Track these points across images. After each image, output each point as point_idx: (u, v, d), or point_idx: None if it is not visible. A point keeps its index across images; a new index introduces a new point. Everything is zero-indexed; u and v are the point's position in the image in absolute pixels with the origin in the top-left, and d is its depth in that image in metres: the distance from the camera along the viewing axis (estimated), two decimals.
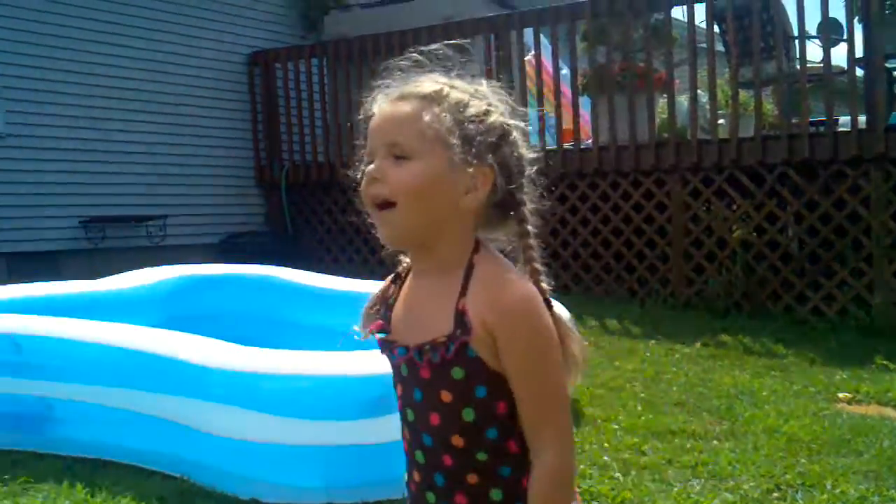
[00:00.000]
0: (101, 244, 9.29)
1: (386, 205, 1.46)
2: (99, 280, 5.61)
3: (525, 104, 8.57)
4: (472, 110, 1.48)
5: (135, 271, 5.79)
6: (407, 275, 1.59)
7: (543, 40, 9.00)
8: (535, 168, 1.55)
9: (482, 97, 1.52)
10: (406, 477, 1.59)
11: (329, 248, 10.13)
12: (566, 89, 8.84)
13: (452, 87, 1.51)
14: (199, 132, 10.34)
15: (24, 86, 8.99)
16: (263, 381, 3.49)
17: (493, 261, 1.50)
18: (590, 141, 8.47)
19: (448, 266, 1.49)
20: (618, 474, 3.65)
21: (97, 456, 3.77)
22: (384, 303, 1.59)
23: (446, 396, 1.46)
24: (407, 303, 1.55)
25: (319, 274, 5.96)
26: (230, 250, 9.80)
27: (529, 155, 1.54)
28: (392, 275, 1.63)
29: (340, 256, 9.92)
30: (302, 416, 3.43)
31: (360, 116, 1.55)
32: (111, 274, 5.81)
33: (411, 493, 1.58)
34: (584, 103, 8.79)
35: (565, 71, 8.87)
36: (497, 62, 8.87)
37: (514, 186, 1.50)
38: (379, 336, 1.55)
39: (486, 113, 1.50)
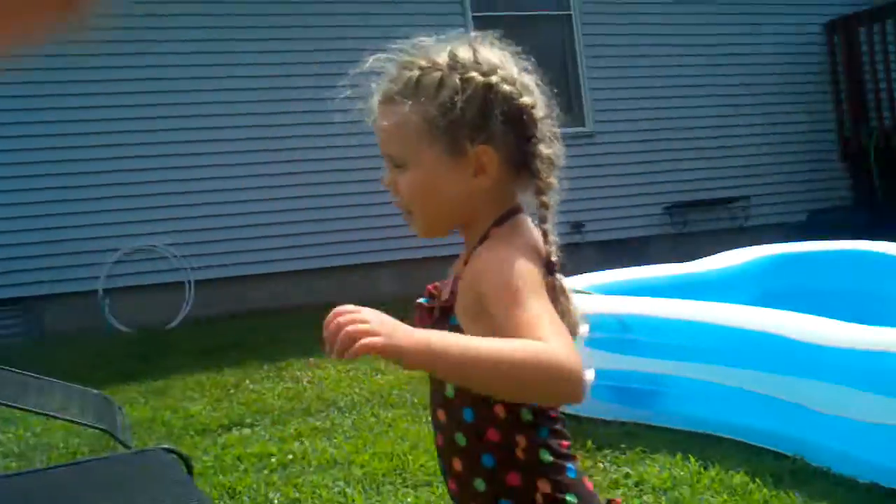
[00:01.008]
0: (683, 229, 9.60)
1: (408, 212, 1.49)
2: (690, 262, 5.80)
3: None
4: (446, 92, 1.39)
5: (725, 252, 5.88)
6: None
7: None
8: (549, 109, 1.48)
9: (457, 66, 1.41)
10: None
11: None
12: None
13: (425, 68, 1.41)
14: (773, 109, 10.23)
15: (607, 85, 9.65)
16: (880, 360, 3.31)
17: (507, 233, 1.44)
18: None
19: (478, 239, 1.46)
20: None
21: (707, 431, 3.89)
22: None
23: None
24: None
25: None
26: (814, 227, 9.49)
27: (530, 100, 1.44)
28: None
29: None
30: None
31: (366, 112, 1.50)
32: (694, 257, 5.97)
33: None
34: None
35: None
36: None
37: (526, 141, 1.44)
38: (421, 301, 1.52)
39: (464, 85, 1.40)
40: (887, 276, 5.33)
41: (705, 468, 3.48)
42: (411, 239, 7.86)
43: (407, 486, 3.53)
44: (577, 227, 9.14)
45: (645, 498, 3.27)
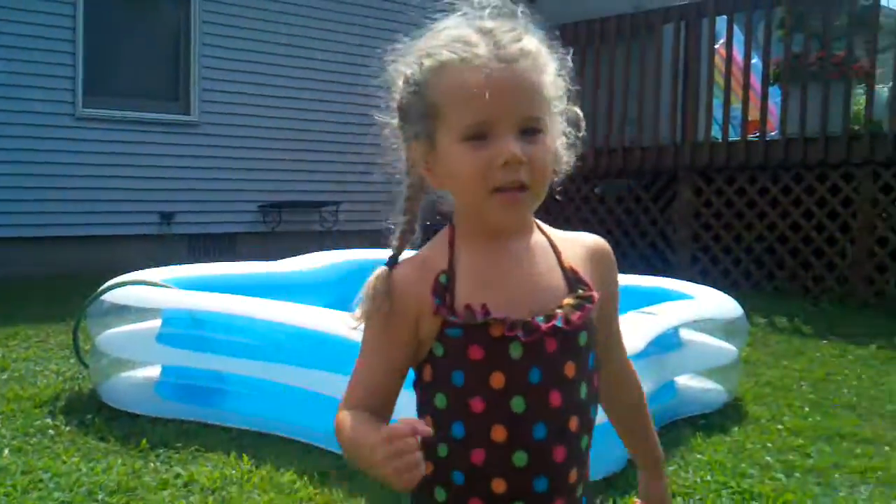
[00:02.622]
0: (276, 228, 9.69)
1: (521, 188, 1.26)
2: (276, 261, 5.85)
3: (711, 95, 8.36)
4: (552, 65, 1.31)
5: (311, 254, 5.99)
6: (451, 248, 1.34)
7: (735, 29, 8.69)
8: None
9: (547, 44, 1.33)
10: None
11: None
12: (754, 80, 8.55)
13: (537, 37, 1.32)
14: (374, 121, 10.61)
15: (220, 76, 9.48)
16: None
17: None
18: (775, 133, 8.17)
19: (523, 233, 1.36)
20: (780, 475, 3.51)
21: (264, 430, 3.93)
22: (435, 284, 1.31)
23: (570, 370, 1.30)
24: (492, 276, 1.31)
25: None
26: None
27: None
28: (409, 257, 1.36)
29: None
30: None
31: (435, 63, 1.28)
32: (283, 257, 6.04)
33: None
34: (773, 94, 8.46)
35: (755, 61, 8.57)
36: (686, 51, 8.65)
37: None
38: (491, 318, 1.26)
39: (555, 62, 1.33)
40: None
41: (257, 467, 3.50)
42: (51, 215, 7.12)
43: None
44: (167, 217, 8.89)
45: (192, 498, 3.22)
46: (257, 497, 3.24)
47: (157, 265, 5.32)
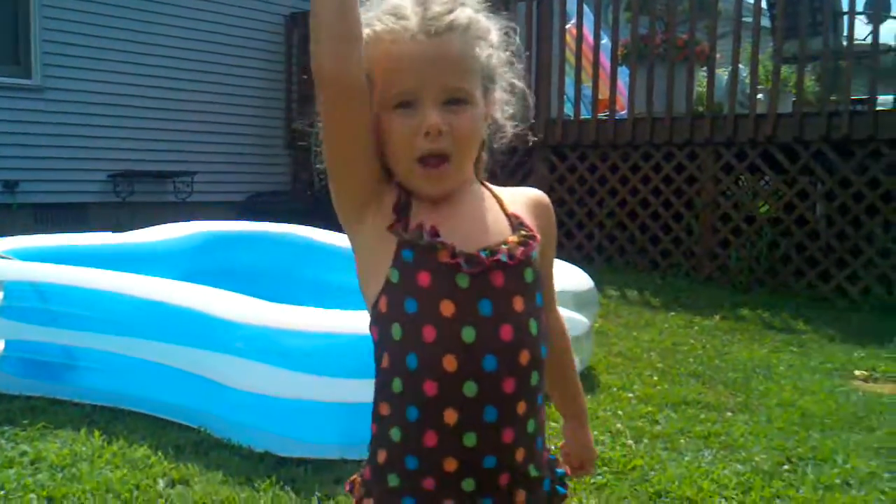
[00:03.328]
0: (128, 198, 9.39)
1: (443, 158, 1.32)
2: (126, 233, 5.68)
3: (563, 73, 8.53)
4: (492, 36, 1.38)
5: (162, 225, 5.84)
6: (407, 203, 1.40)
7: (586, 9, 8.89)
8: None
9: (482, 11, 1.38)
10: (404, 435, 1.34)
11: None
12: (604, 60, 8.77)
13: (473, 9, 1.37)
14: (232, 91, 10.40)
15: (63, 39, 9.07)
16: (284, 337, 3.50)
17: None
18: (624, 112, 8.41)
19: (465, 186, 1.40)
20: (630, 441, 3.66)
21: (116, 405, 3.82)
22: (397, 200, 1.37)
23: (518, 304, 1.34)
24: (441, 217, 1.36)
25: (339, 233, 5.99)
26: (252, 208, 9.86)
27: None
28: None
29: None
30: (320, 372, 3.44)
31: (371, 34, 1.33)
32: (135, 228, 5.87)
33: (429, 448, 1.33)
34: (622, 74, 8.71)
35: (605, 41, 8.79)
36: (539, 30, 8.78)
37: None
38: (438, 240, 1.32)
39: (497, 33, 1.40)
40: (306, 258, 5.71)
41: (109, 443, 3.42)
42: None
43: None
44: (11, 186, 8.47)
45: (40, 476, 3.11)
46: (109, 473, 3.15)
47: (0, 236, 5.09)
